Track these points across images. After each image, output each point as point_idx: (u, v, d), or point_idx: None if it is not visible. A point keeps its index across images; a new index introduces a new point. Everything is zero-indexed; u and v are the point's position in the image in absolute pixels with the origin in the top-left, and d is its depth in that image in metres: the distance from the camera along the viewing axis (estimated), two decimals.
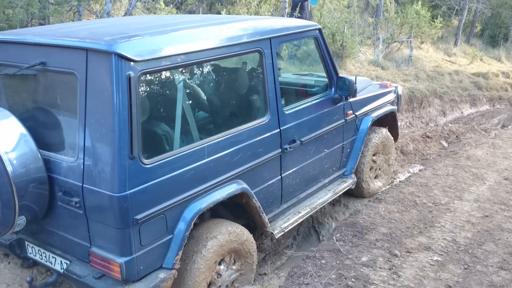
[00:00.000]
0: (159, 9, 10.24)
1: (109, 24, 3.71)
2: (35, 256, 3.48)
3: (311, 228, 5.11)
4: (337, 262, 3.87)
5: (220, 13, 11.62)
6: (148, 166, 2.93)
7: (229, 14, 10.90)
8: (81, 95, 2.88)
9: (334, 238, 4.27)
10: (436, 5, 19.15)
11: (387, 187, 5.52)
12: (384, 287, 3.52)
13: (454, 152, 6.92)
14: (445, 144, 7.65)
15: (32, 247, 3.48)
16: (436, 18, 15.68)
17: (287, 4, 11.21)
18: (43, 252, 3.42)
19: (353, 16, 12.21)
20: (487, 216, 4.68)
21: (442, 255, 3.95)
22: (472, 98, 12.36)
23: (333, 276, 3.66)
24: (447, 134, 7.99)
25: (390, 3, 15.92)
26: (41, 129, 3.19)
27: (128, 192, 2.83)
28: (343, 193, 4.88)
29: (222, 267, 3.51)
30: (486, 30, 21.55)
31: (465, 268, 3.76)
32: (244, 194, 3.57)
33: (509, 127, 9.68)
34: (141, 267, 3.01)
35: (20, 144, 3.01)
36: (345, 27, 11.60)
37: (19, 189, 2.93)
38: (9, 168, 2.89)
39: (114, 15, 8.84)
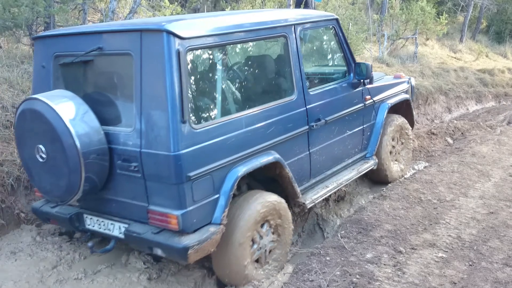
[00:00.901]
0: (164, 7, 10.26)
1: (151, 18, 4.26)
2: (94, 226, 3.86)
3: (315, 225, 5.13)
4: (342, 259, 3.88)
5: (224, 10, 11.63)
6: (196, 130, 3.37)
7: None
8: (136, 72, 3.35)
9: (339, 235, 4.28)
10: (442, 1, 19.08)
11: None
12: (389, 283, 3.52)
13: (459, 148, 6.90)
14: (450, 141, 7.63)
15: (90, 218, 3.86)
16: (442, 15, 15.62)
17: (291, 1, 11.20)
18: (102, 221, 3.80)
19: (358, 13, 12.18)
20: (492, 212, 4.67)
21: (447, 251, 3.95)
22: (478, 94, 12.32)
23: (338, 272, 3.67)
24: (452, 130, 7.97)
25: (395, 0, 15.87)
26: (99, 107, 3.58)
27: (181, 152, 3.26)
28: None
29: (264, 229, 3.89)
30: (492, 26, 21.44)
31: (470, 265, 3.75)
32: (278, 164, 3.98)
33: None
34: (194, 220, 3.40)
35: (85, 120, 3.44)
36: (350, 24, 11.57)
37: (85, 159, 3.36)
38: (77, 141, 3.33)
39: (119, 13, 8.87)
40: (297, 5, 10.98)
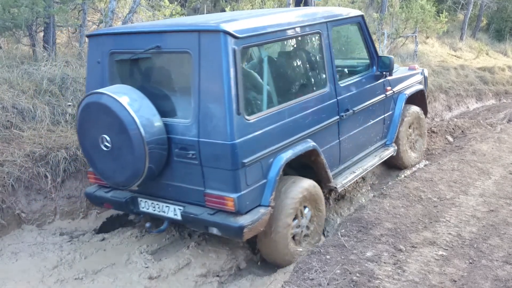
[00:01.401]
0: (164, 7, 10.26)
1: (198, 17, 4.58)
2: (148, 209, 4.22)
3: None
4: (342, 257, 3.88)
5: (224, 10, 11.61)
6: (248, 121, 3.74)
7: (233, 11, 10.88)
8: (194, 69, 3.67)
9: (339, 234, 4.28)
10: None
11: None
12: (389, 281, 3.52)
13: (459, 147, 6.89)
14: (451, 139, 7.62)
15: (145, 202, 4.22)
16: (442, 13, 15.59)
17: (290, 0, 11.20)
18: (156, 204, 4.16)
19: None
20: (493, 210, 4.67)
21: (447, 249, 3.95)
22: (478, 92, 12.30)
23: (338, 271, 3.67)
24: (453, 129, 7.96)
25: None
26: (156, 100, 3.88)
27: (237, 141, 3.63)
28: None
29: (305, 211, 4.31)
30: (492, 24, 21.40)
31: (470, 263, 3.76)
32: (315, 151, 4.37)
33: None
34: (247, 203, 3.78)
35: (147, 112, 3.77)
36: None
37: (149, 148, 3.71)
38: (142, 131, 3.68)
39: (118, 13, 8.87)
40: (297, 4, 10.97)
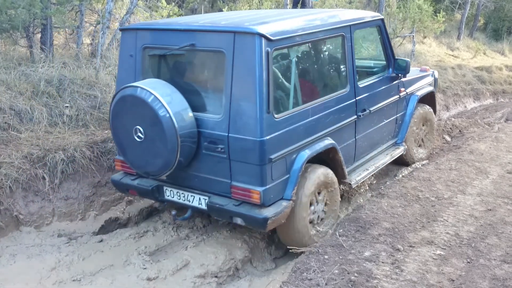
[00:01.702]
0: (161, 8, 10.25)
1: (230, 16, 4.66)
2: (173, 198, 4.42)
3: None
4: (340, 257, 3.88)
5: (222, 11, 11.62)
6: (276, 119, 3.94)
7: (231, 11, 10.88)
8: (227, 67, 3.86)
9: (337, 234, 4.28)
10: None
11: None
12: (387, 281, 3.53)
13: (457, 146, 6.90)
14: (448, 139, 7.63)
15: (170, 190, 4.42)
16: (439, 12, 15.60)
17: (288, 0, 11.20)
18: (182, 193, 4.36)
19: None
20: (490, 210, 4.67)
21: (445, 249, 3.95)
22: (476, 92, 12.31)
23: (336, 271, 3.67)
24: (450, 128, 7.97)
25: None
26: (188, 95, 4.06)
27: (265, 138, 3.84)
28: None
29: (320, 197, 4.52)
30: (489, 24, 21.41)
31: (468, 262, 3.76)
32: (333, 149, 4.58)
33: None
34: (272, 196, 3.99)
35: (180, 106, 3.96)
36: None
37: (181, 140, 3.90)
38: (176, 124, 3.87)
39: (116, 14, 8.86)
40: (294, 5, 10.98)
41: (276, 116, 3.93)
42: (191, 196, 4.30)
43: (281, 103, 4.23)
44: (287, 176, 4.12)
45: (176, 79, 4.30)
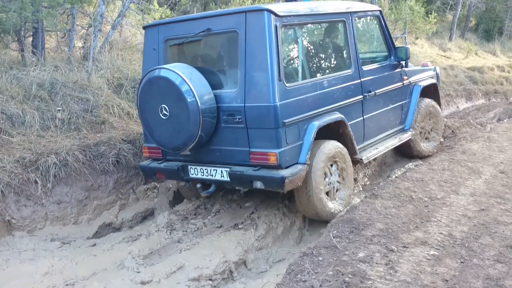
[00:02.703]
0: (153, 10, 10.24)
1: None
2: (197, 175, 4.83)
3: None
4: (334, 258, 3.87)
5: None
6: (288, 88, 4.40)
7: None
8: (241, 44, 4.38)
9: (331, 235, 4.28)
10: (430, 0, 19.16)
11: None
12: (381, 282, 3.52)
13: (449, 146, 6.93)
14: (441, 139, 7.66)
15: (194, 168, 4.83)
16: (431, 14, 15.71)
17: (280, 2, 11.21)
18: (205, 169, 4.76)
19: None
20: (483, 209, 4.68)
21: (438, 249, 3.95)
22: (468, 92, 12.38)
23: (330, 272, 3.66)
24: (443, 129, 7.99)
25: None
26: (207, 75, 4.52)
27: (278, 103, 4.28)
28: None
29: (329, 173, 4.88)
30: (481, 24, 21.58)
31: (462, 262, 3.76)
32: (342, 122, 5.00)
33: (505, 120, 9.69)
34: (287, 158, 4.39)
35: (201, 84, 4.43)
36: None
37: (202, 115, 4.36)
38: (198, 100, 4.33)
39: (107, 17, 8.83)
40: None
41: (287, 84, 4.38)
42: (214, 170, 4.68)
43: (291, 75, 4.64)
44: (300, 142, 4.52)
45: (195, 62, 4.79)
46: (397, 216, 4.56)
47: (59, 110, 5.98)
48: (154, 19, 10.02)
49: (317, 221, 5.15)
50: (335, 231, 4.35)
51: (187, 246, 4.54)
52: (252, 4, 12.63)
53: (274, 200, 5.33)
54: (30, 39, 7.36)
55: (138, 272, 4.13)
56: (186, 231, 4.87)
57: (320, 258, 3.89)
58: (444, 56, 15.53)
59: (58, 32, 8.22)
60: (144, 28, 5.20)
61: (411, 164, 6.35)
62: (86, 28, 8.36)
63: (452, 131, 7.99)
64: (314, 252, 4.00)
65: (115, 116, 6.47)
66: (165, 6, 10.69)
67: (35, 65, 6.59)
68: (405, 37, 13.52)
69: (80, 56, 7.89)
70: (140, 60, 7.93)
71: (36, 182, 4.97)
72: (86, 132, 5.91)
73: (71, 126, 5.94)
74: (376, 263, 3.75)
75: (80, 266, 4.28)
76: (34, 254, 4.48)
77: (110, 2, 9.21)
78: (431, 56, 14.61)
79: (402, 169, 6.19)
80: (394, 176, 5.91)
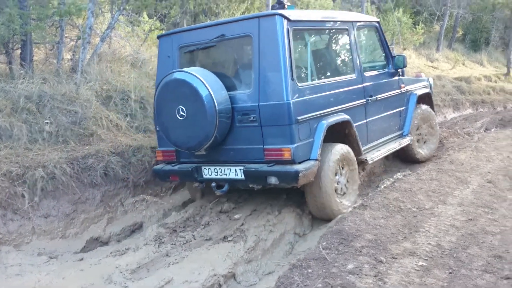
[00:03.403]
0: (143, 22, 10.25)
1: None
2: (211, 175, 5.02)
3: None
4: (324, 270, 3.86)
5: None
6: (299, 87, 4.69)
7: None
8: (255, 47, 4.67)
9: (320, 246, 4.27)
10: (418, 11, 19.38)
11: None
12: None
13: (437, 156, 6.98)
14: (437, 144, 7.68)
15: (208, 169, 5.03)
16: (418, 25, 15.87)
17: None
18: (219, 169, 4.95)
19: None
20: (471, 219, 4.70)
21: (427, 260, 3.96)
22: (455, 102, 12.49)
23: (320, 285, 3.65)
24: (439, 135, 8.03)
25: (372, 10, 16.08)
26: (222, 78, 4.78)
27: (291, 101, 4.55)
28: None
29: (339, 173, 5.15)
30: (468, 35, 21.83)
31: (450, 273, 3.77)
32: (348, 123, 5.28)
33: (492, 130, 9.78)
34: (300, 154, 4.64)
35: (216, 85, 4.67)
36: None
37: (219, 114, 4.58)
38: (216, 101, 4.57)
39: (96, 29, 8.83)
40: None
41: (299, 84, 4.66)
42: (228, 169, 4.88)
43: (301, 75, 4.94)
44: (311, 139, 4.76)
45: (208, 67, 4.95)
46: (386, 226, 4.57)
47: (47, 122, 5.95)
48: (144, 31, 10.03)
49: (307, 232, 5.16)
50: (325, 243, 4.34)
51: (175, 259, 4.50)
52: (242, 14, 12.71)
53: (263, 212, 5.33)
54: (18, 51, 7.33)
55: (126, 286, 4.08)
56: (174, 244, 4.83)
57: (310, 270, 3.88)
58: (432, 67, 15.68)
59: (47, 45, 8.19)
60: (159, 37, 5.47)
61: (399, 174, 6.38)
62: (75, 40, 8.34)
63: (440, 141, 8.04)
64: (303, 264, 3.99)
65: (104, 128, 6.45)
66: (155, 18, 10.70)
67: (23, 78, 6.55)
68: (392, 48, 13.64)
69: (68, 68, 7.87)
70: (129, 71, 7.93)
71: (23, 195, 4.92)
72: (74, 145, 5.87)
73: (59, 139, 5.91)
74: (365, 275, 3.75)
75: (67, 281, 4.22)
76: (21, 269, 4.41)
77: (99, 14, 9.21)
78: (419, 66, 14.74)
79: (391, 179, 6.21)
80: (382, 186, 5.93)
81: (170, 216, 5.54)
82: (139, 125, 6.93)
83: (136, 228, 5.31)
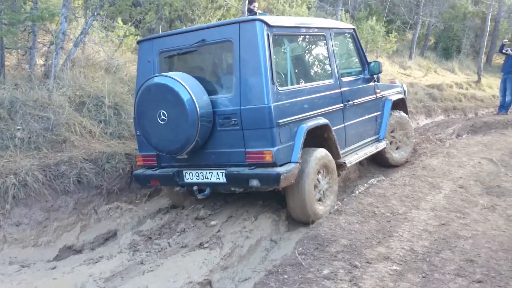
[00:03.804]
0: (117, 27, 10.16)
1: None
2: (192, 179, 5.03)
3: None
4: (299, 276, 3.87)
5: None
6: (280, 91, 4.75)
7: None
8: (235, 52, 4.71)
9: (296, 252, 4.29)
10: (391, 20, 19.68)
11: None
12: None
13: (410, 162, 7.08)
14: (412, 149, 7.79)
15: (189, 173, 5.04)
16: (391, 33, 16.12)
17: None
18: (200, 173, 4.97)
19: None
20: (444, 224, 4.78)
21: (401, 264, 4.01)
22: (428, 109, 12.71)
23: None
24: (414, 140, 8.15)
25: (346, 19, 16.28)
26: (203, 83, 4.80)
27: (272, 104, 4.60)
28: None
29: (319, 176, 5.20)
30: (440, 43, 22.26)
31: (423, 277, 3.82)
32: (327, 126, 5.33)
33: (463, 136, 9.98)
34: (281, 157, 4.69)
35: (197, 89, 4.70)
36: None
37: (200, 119, 4.61)
38: (197, 105, 4.60)
39: (70, 35, 8.71)
40: None
41: (279, 88, 4.73)
42: (209, 173, 4.91)
43: (281, 80, 5.04)
44: (292, 142, 4.81)
45: (189, 72, 4.95)
46: (361, 231, 4.61)
47: (18, 129, 5.83)
48: (118, 36, 9.94)
49: (284, 238, 5.17)
50: (301, 248, 4.36)
51: (150, 267, 4.45)
52: (218, 20, 12.73)
53: (240, 218, 5.32)
54: None
55: None
56: (149, 251, 4.78)
57: (286, 276, 3.88)
58: (405, 74, 15.93)
59: (19, 50, 8.05)
60: (138, 42, 5.47)
61: (373, 179, 6.45)
62: (48, 46, 8.21)
63: (413, 147, 8.16)
64: (279, 270, 4.00)
65: (77, 135, 6.36)
66: (130, 23, 10.61)
67: None
68: (367, 55, 13.83)
69: (41, 74, 7.74)
70: (103, 77, 7.84)
71: None
72: (47, 152, 5.77)
73: (31, 146, 5.80)
74: (340, 280, 3.78)
75: None
76: None
77: (72, 20, 9.09)
78: (392, 74, 14.96)
79: (365, 184, 6.27)
80: (357, 192, 5.98)
81: (145, 223, 5.49)
82: (113, 131, 6.85)
83: (110, 236, 5.23)
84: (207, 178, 4.94)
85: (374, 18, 15.42)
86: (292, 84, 5.19)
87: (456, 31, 21.95)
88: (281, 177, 4.55)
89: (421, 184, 5.89)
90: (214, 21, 12.60)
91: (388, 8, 18.95)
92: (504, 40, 13.25)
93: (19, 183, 5.01)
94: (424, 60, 18.65)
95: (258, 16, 4.74)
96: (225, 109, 4.76)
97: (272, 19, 4.83)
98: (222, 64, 5.15)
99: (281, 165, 4.67)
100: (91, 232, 5.25)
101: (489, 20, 17.69)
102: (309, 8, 14.72)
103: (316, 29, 5.75)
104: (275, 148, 4.61)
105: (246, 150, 4.70)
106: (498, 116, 12.17)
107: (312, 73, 5.86)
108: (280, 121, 4.66)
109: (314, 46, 6.07)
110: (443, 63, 19.88)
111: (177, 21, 13.35)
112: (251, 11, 10.46)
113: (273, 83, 4.63)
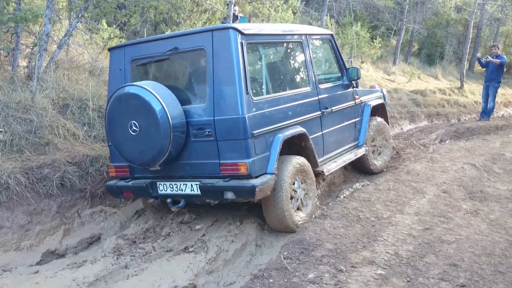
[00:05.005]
0: (102, 30, 10.09)
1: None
2: (166, 191, 4.87)
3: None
4: (285, 280, 3.87)
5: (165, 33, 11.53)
6: (255, 101, 4.62)
7: None
8: (208, 61, 4.56)
9: (282, 256, 4.29)
10: (375, 26, 19.86)
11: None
12: None
13: (394, 167, 7.13)
14: (391, 155, 7.85)
15: (163, 184, 4.88)
16: (376, 39, 16.26)
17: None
18: (174, 185, 4.82)
19: None
20: (428, 228, 4.82)
21: (385, 268, 4.03)
22: (411, 114, 12.82)
23: None
24: (392, 146, 8.21)
25: (331, 24, 16.39)
26: (176, 92, 4.66)
27: (246, 115, 4.46)
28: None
29: (295, 185, 5.07)
30: (423, 49, 22.51)
31: (408, 281, 3.85)
32: (304, 135, 5.23)
33: (447, 142, 10.09)
34: (256, 168, 4.55)
35: (170, 99, 4.55)
36: None
37: (173, 130, 4.45)
38: (169, 115, 4.44)
39: (54, 36, 8.62)
40: None
41: (254, 98, 4.60)
42: (184, 184, 4.76)
43: (256, 89, 4.88)
44: (267, 153, 4.69)
45: (162, 81, 4.82)
46: (346, 236, 4.63)
47: (0, 131, 5.75)
48: (103, 38, 9.87)
49: (269, 242, 5.16)
50: (286, 253, 4.36)
51: (134, 271, 4.41)
52: (203, 24, 12.71)
53: (225, 222, 5.30)
54: None
55: None
56: (134, 255, 4.74)
57: (271, 281, 3.88)
58: (389, 80, 16.07)
59: (1, 51, 7.94)
60: (110, 50, 5.27)
61: (358, 184, 6.48)
62: (31, 47, 8.11)
63: (397, 152, 8.23)
64: (265, 274, 3.99)
65: (60, 138, 6.28)
66: (114, 26, 10.55)
67: None
68: (351, 61, 13.93)
69: (24, 75, 7.63)
70: (87, 80, 7.78)
71: None
72: (29, 154, 5.70)
73: (13, 148, 5.72)
74: (326, 284, 3.78)
75: None
76: None
77: (56, 21, 9.00)
78: (376, 79, 15.08)
79: (350, 189, 6.30)
80: (342, 196, 6.00)
81: (129, 227, 5.44)
82: (97, 134, 6.78)
83: (94, 240, 5.17)
84: (181, 190, 4.80)
85: (359, 23, 15.54)
86: (267, 93, 5.01)
87: (440, 37, 22.24)
88: (256, 189, 4.43)
89: (405, 188, 5.94)
90: (200, 25, 12.58)
91: (372, 14, 19.12)
92: (478, 54, 13.59)
93: (1, 186, 4.93)
94: (408, 66, 18.83)
95: (232, 24, 4.59)
96: (198, 119, 4.61)
97: (246, 27, 4.73)
98: (196, 73, 4.98)
99: (256, 177, 4.54)
100: (74, 236, 5.19)
101: (472, 27, 17.92)
102: (294, 13, 14.78)
103: (292, 36, 5.62)
104: (250, 160, 4.48)
105: (221, 161, 4.57)
106: (481, 122, 12.33)
107: (288, 81, 5.69)
108: (255, 131, 4.53)
109: (291, 53, 5.89)
110: (427, 69, 20.11)
111: (162, 24, 13.30)
112: (234, 15, 10.47)
113: (247, 93, 4.50)
